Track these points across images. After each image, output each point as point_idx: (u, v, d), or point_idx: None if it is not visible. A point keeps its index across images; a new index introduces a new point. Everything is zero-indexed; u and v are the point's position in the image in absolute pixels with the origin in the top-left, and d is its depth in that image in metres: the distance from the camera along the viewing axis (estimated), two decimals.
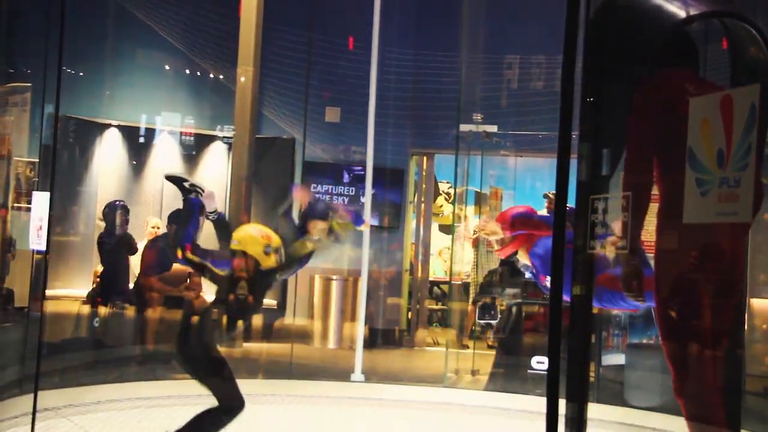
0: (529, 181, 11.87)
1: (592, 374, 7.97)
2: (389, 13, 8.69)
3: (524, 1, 10.22)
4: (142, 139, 11.13)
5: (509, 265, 8.88)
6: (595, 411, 3.16)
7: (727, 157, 2.38)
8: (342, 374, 7.62)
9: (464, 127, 10.09)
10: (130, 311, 8.27)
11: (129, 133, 11.17)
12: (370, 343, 9.91)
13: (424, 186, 12.02)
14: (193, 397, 6.86)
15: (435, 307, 12.70)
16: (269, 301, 7.77)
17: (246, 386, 7.31)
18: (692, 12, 3.06)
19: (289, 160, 11.42)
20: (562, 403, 2.76)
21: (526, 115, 10.49)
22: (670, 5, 3.04)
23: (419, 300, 11.73)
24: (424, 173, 12.07)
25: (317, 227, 5.96)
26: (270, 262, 5.17)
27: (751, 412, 3.49)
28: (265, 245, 5.14)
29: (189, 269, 7.85)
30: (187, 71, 11.35)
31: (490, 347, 9.91)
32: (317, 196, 9.74)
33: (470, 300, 10.77)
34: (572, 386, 2.80)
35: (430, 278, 12.39)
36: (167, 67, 11.36)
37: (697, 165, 2.50)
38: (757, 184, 2.87)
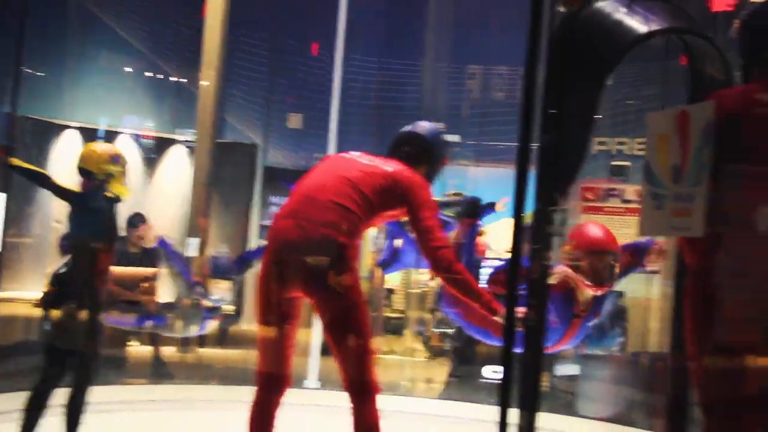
0: (489, 191, 11.93)
1: (545, 384, 8.04)
2: (354, 20, 8.70)
3: (488, 12, 10.29)
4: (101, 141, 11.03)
5: None
6: (546, 420, 3.19)
7: (682, 172, 2.41)
8: (296, 380, 7.59)
9: None
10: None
11: (88, 135, 11.05)
12: (325, 350, 9.88)
13: None
14: (146, 402, 6.83)
15: (391, 314, 12.70)
16: (226, 306, 7.73)
17: (200, 392, 7.32)
18: (653, 28, 3.10)
19: (250, 166, 11.39)
20: (516, 413, 2.77)
21: (488, 125, 10.56)
22: (631, 21, 3.08)
23: (376, 308, 11.72)
24: None
25: (218, 285, 5.95)
26: (116, 185, 4.90)
27: (697, 423, 3.53)
28: (110, 163, 4.87)
29: (145, 273, 7.79)
30: (149, 74, 11.27)
31: (442, 354, 9.95)
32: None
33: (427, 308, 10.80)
34: (524, 395, 2.82)
35: (388, 286, 12.39)
36: (128, 69, 11.27)
37: (653, 179, 2.54)
38: None
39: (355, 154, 4.26)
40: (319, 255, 3.88)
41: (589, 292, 4.91)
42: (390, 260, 7.86)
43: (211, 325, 6.45)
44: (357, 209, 3.98)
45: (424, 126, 4.46)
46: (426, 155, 4.34)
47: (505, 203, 7.86)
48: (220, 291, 6.05)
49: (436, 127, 4.48)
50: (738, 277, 2.85)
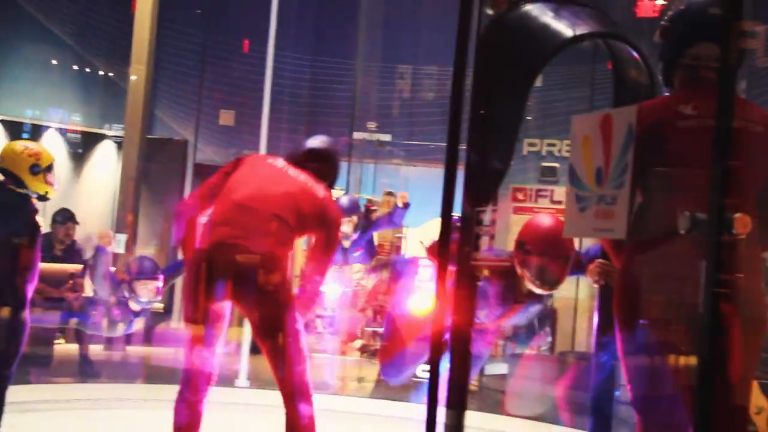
0: (421, 189, 12.00)
1: (474, 383, 8.10)
2: (286, 17, 8.65)
3: (419, 12, 10.33)
4: (26, 135, 10.78)
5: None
6: (475, 419, 3.22)
7: (606, 175, 2.45)
8: (226, 379, 7.53)
9: (357, 135, 10.15)
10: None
11: (12, 129, 10.82)
12: (256, 349, 9.82)
13: None
14: (72, 401, 6.71)
15: (324, 313, 12.66)
16: (156, 304, 7.64)
17: (127, 391, 7.22)
18: (578, 32, 3.14)
19: (180, 162, 11.26)
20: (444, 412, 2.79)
21: (419, 125, 10.61)
22: (558, 24, 3.12)
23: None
24: None
25: (146, 287, 6.02)
26: (40, 185, 4.85)
27: (622, 421, 3.60)
28: (32, 164, 4.81)
29: (70, 270, 7.67)
30: (76, 67, 11.07)
31: (373, 354, 9.97)
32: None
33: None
34: (452, 394, 2.83)
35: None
36: (54, 62, 11.05)
37: (577, 181, 2.57)
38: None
39: (279, 163, 4.42)
40: (256, 265, 3.99)
41: (532, 288, 4.88)
42: None
43: (138, 325, 6.40)
44: (295, 223, 4.16)
45: (327, 142, 4.71)
46: (331, 172, 4.58)
47: (403, 197, 8.01)
48: (148, 293, 6.03)
49: (335, 143, 4.79)
50: (661, 278, 2.91)
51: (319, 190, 4.34)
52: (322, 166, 4.51)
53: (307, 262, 4.47)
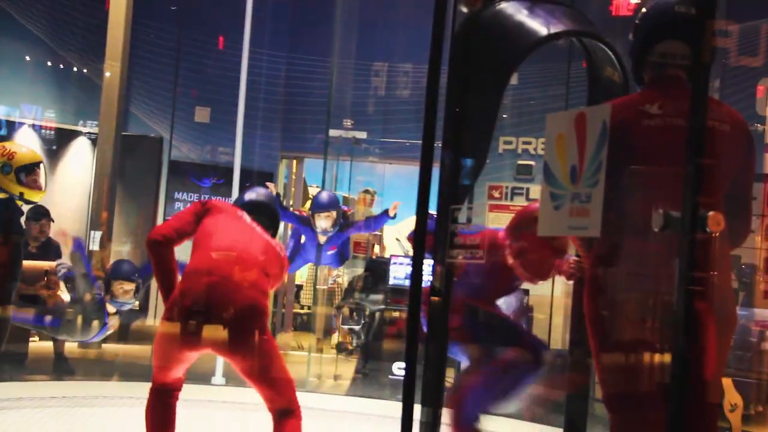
0: (397, 187, 12.03)
1: (450, 380, 8.11)
2: (261, 14, 8.63)
3: (394, 9, 10.32)
4: None
5: (372, 270, 9.02)
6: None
7: (580, 173, 2.46)
8: (203, 377, 7.52)
9: (334, 132, 10.13)
10: None
11: None
12: None
13: (293, 189, 12.00)
14: (46, 399, 6.68)
15: (300, 311, 12.67)
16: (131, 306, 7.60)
17: (102, 389, 7.18)
18: (553, 30, 3.16)
19: (155, 159, 11.20)
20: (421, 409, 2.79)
21: (395, 123, 10.61)
22: (532, 23, 3.13)
23: (284, 304, 11.69)
24: (293, 177, 12.06)
25: (122, 288, 6.05)
26: (11, 185, 4.78)
27: (597, 419, 3.62)
28: (2, 164, 4.78)
29: (46, 267, 7.61)
30: (50, 63, 10.98)
31: (349, 352, 9.98)
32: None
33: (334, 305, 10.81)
34: (427, 391, 2.84)
35: (297, 282, 12.36)
36: (28, 58, 10.96)
37: (551, 179, 2.58)
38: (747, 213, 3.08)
39: (246, 217, 4.52)
40: (242, 319, 4.09)
41: (520, 279, 4.91)
42: (292, 256, 7.96)
43: (111, 329, 6.37)
44: (275, 273, 4.38)
45: (267, 195, 4.85)
46: (275, 224, 4.74)
47: (396, 207, 8.10)
48: (124, 294, 6.01)
49: (273, 195, 5.21)
50: (628, 276, 2.93)
51: (281, 248, 4.58)
52: (267, 219, 4.64)
53: None
